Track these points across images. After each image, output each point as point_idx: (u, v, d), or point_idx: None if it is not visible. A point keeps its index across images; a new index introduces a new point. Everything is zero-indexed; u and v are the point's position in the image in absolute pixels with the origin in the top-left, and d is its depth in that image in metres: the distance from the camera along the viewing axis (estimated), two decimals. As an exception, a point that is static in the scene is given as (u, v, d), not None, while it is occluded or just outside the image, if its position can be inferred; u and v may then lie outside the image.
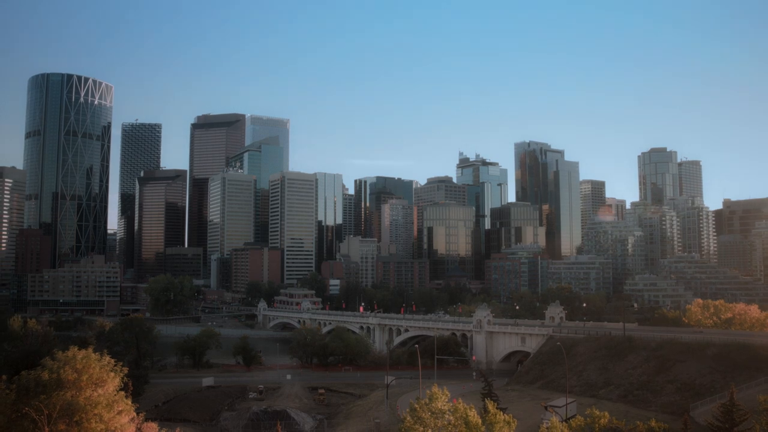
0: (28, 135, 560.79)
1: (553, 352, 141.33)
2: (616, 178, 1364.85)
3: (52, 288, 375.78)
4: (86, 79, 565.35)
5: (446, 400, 63.69)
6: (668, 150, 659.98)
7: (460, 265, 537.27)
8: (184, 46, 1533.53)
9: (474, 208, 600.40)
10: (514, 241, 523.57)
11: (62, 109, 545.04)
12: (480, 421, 61.56)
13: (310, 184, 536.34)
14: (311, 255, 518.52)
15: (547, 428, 72.51)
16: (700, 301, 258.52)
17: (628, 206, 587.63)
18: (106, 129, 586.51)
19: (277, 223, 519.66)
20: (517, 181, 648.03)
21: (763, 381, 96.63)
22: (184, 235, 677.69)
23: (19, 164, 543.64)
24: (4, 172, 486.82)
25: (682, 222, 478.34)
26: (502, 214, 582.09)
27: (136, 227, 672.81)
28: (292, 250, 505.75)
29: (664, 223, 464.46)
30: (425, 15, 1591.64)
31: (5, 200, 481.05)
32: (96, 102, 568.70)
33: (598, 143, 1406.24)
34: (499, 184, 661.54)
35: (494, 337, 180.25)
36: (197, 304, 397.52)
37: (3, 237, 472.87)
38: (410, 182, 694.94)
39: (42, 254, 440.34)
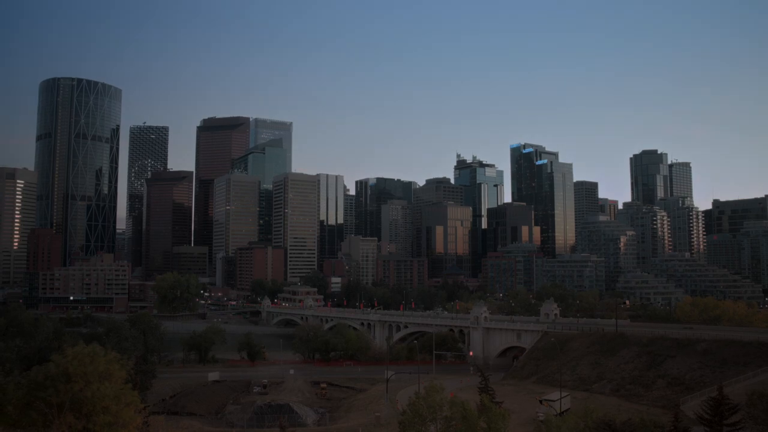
0: (39, 137, 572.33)
1: (547, 347, 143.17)
2: (608, 179, 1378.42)
3: (62, 286, 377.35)
4: (95, 83, 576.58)
5: (444, 394, 66.18)
6: (659, 152, 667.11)
7: (457, 263, 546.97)
8: (190, 52, 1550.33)
9: (471, 208, 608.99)
10: (510, 240, 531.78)
11: (72, 112, 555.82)
12: (477, 414, 62.90)
13: (312, 184, 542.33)
14: (313, 253, 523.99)
15: (541, 421, 78.38)
16: (689, 298, 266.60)
17: (620, 206, 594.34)
18: (115, 131, 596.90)
19: (281, 222, 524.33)
20: (512, 182, 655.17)
21: (751, 375, 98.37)
22: (190, 234, 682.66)
23: (31, 166, 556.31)
24: (16, 173, 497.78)
25: (673, 222, 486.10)
26: (498, 214, 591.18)
27: (144, 227, 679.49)
28: (295, 249, 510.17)
29: (655, 222, 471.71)
30: (425, 20, 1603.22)
31: (17, 200, 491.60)
32: (105, 105, 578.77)
33: (592, 146, 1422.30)
34: (496, 185, 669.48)
35: (491, 333, 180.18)
36: (204, 301, 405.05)
37: (15, 236, 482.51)
38: (409, 183, 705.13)
39: (53, 253, 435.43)
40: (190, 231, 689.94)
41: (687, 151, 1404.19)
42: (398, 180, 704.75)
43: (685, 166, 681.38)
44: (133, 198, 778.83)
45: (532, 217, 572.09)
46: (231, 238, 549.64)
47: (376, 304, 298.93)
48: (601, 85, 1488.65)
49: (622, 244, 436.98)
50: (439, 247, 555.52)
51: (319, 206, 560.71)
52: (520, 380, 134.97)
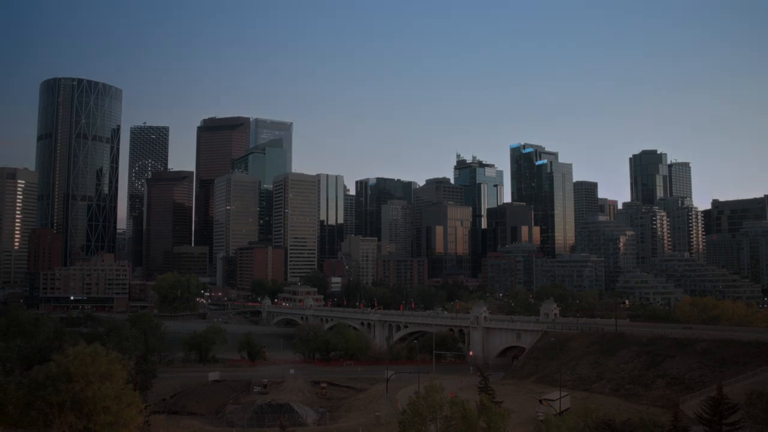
0: (40, 138, 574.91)
1: (547, 347, 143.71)
2: (608, 179, 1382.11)
3: (63, 285, 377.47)
4: (96, 84, 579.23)
5: (444, 394, 66.27)
6: (659, 152, 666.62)
7: (457, 263, 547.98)
8: (191, 51, 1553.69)
9: (471, 208, 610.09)
10: (509, 240, 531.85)
11: (73, 112, 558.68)
12: (477, 414, 62.99)
13: (312, 184, 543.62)
14: (314, 253, 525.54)
15: (541, 421, 78.11)
16: (689, 298, 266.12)
17: (620, 206, 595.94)
18: (116, 132, 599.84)
19: (281, 222, 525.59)
20: (512, 182, 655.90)
21: (751, 375, 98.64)
22: (190, 234, 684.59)
23: (32, 166, 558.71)
24: (17, 173, 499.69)
25: (672, 222, 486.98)
26: (498, 214, 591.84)
27: (144, 227, 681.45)
28: (295, 249, 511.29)
29: (654, 222, 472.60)
30: (425, 21, 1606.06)
31: (18, 200, 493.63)
32: (105, 105, 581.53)
33: (592, 146, 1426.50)
34: (495, 185, 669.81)
35: (490, 333, 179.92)
36: (203, 300, 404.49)
37: (16, 236, 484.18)
38: (409, 183, 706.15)
39: (54, 253, 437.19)
40: (191, 231, 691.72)
41: (687, 151, 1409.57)
42: (398, 180, 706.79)
43: (685, 166, 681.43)
44: (134, 198, 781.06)
45: (532, 217, 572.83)
46: (231, 238, 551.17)
47: (376, 304, 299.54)
48: (601, 85, 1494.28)
49: (621, 244, 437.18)
50: (439, 247, 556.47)
51: (319, 206, 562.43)
52: (520, 380, 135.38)
